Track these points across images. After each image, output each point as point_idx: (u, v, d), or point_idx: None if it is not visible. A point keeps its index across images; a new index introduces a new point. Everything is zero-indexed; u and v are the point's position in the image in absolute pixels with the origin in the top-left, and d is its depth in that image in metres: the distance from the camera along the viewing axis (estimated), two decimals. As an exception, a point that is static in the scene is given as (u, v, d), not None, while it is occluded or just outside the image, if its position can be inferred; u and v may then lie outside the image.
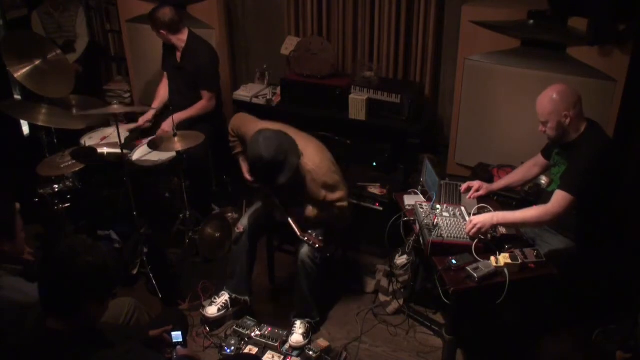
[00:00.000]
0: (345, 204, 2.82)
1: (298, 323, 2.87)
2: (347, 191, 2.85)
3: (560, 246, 2.53)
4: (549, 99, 2.41)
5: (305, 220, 2.77)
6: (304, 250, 2.79)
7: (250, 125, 2.89)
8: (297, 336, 2.81)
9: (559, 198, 2.38)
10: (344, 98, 3.73)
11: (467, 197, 2.80)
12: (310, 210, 2.78)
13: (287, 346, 2.79)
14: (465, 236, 2.43)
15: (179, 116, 3.48)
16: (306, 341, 2.82)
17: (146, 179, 3.44)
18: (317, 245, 2.64)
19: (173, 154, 3.28)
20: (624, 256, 2.81)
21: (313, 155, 2.73)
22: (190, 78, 3.68)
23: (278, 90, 4.11)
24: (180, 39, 3.65)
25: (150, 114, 3.77)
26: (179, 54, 3.70)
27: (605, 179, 2.45)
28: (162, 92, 3.90)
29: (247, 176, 2.94)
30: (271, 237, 3.25)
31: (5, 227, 2.11)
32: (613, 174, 2.51)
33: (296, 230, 2.69)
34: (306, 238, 2.66)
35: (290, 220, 2.73)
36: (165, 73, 3.93)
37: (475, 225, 2.40)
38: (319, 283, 2.87)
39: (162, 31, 3.59)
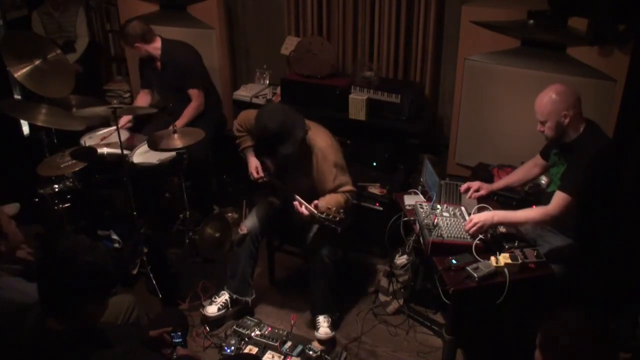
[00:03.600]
0: (352, 187, 2.83)
1: (321, 318, 2.89)
2: (351, 178, 2.89)
3: (561, 246, 2.53)
4: (549, 98, 2.40)
5: (316, 207, 2.72)
6: (322, 249, 2.79)
7: None
8: (324, 329, 2.85)
9: (559, 199, 2.37)
10: (344, 98, 3.73)
11: (467, 196, 2.80)
12: (323, 196, 2.76)
13: (287, 346, 2.79)
14: (465, 236, 2.43)
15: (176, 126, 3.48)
16: (333, 333, 2.87)
17: (146, 179, 3.43)
18: (337, 219, 2.57)
19: (173, 154, 3.28)
20: (624, 256, 2.80)
21: (324, 136, 2.80)
22: (176, 82, 3.66)
23: (278, 90, 4.11)
24: (156, 47, 3.65)
25: (127, 117, 3.78)
26: (158, 64, 3.70)
27: (605, 178, 2.44)
28: (140, 103, 3.90)
29: (253, 172, 2.91)
30: (271, 237, 3.25)
31: None
32: (612, 174, 2.51)
33: (313, 210, 2.62)
34: (324, 214, 2.58)
35: (304, 203, 2.66)
36: (142, 89, 3.92)
37: (475, 223, 2.40)
38: (336, 279, 2.89)
39: (136, 44, 3.59)
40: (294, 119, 2.67)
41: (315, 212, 2.61)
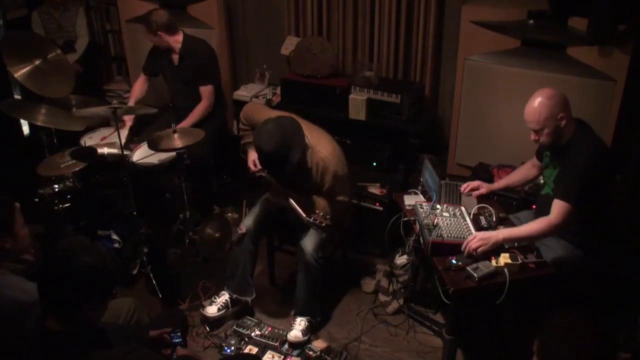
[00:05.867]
0: (346, 199, 2.82)
1: (298, 320, 2.87)
2: (351, 188, 2.87)
3: (564, 252, 2.51)
4: (541, 104, 2.36)
5: (308, 209, 2.73)
6: (309, 249, 2.77)
7: (263, 113, 2.90)
8: (296, 332, 2.80)
9: (559, 208, 2.35)
10: (344, 98, 3.73)
11: (465, 191, 2.80)
12: (314, 199, 2.76)
13: (287, 346, 2.79)
14: (465, 236, 2.42)
15: (183, 126, 3.48)
16: (305, 338, 2.80)
17: (146, 179, 3.44)
18: (323, 224, 2.57)
19: (174, 154, 3.28)
20: (623, 258, 2.80)
21: (327, 144, 2.75)
22: (190, 78, 3.68)
23: (278, 90, 4.12)
24: (177, 40, 3.65)
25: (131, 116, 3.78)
26: (175, 56, 3.70)
27: (601, 180, 2.43)
28: (137, 91, 3.89)
29: (251, 165, 2.90)
30: (271, 237, 3.25)
31: (3, 224, 2.11)
32: (609, 174, 2.49)
33: (301, 212, 2.63)
34: (312, 218, 2.59)
35: (294, 203, 2.67)
36: (142, 74, 3.92)
37: (480, 239, 2.34)
38: (321, 282, 2.86)
39: (160, 33, 3.58)
40: (291, 141, 2.58)
41: (303, 215, 2.62)
